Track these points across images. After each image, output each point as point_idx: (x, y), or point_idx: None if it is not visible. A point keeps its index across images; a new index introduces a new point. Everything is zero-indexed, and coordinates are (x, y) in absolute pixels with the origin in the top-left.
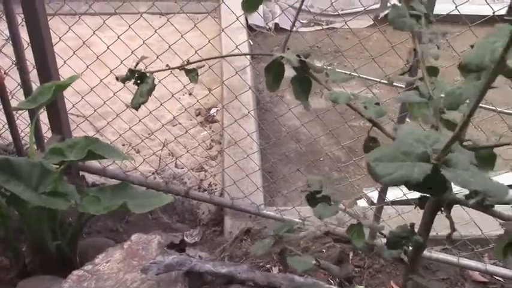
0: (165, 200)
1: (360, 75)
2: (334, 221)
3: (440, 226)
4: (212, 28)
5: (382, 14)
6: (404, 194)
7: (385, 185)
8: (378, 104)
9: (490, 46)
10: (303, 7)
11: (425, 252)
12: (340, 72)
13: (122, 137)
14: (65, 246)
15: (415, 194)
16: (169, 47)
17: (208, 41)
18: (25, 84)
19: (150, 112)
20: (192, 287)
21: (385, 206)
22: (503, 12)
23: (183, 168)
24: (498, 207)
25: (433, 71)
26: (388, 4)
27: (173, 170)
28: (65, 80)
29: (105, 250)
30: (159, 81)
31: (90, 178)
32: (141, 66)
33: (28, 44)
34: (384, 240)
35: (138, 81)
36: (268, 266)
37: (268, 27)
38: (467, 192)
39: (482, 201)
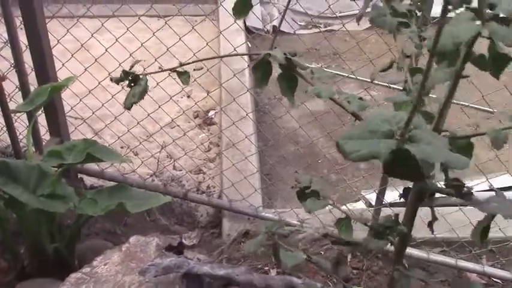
0: (162, 200)
1: (358, 77)
2: (332, 223)
3: (438, 228)
4: (210, 31)
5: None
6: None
7: (353, 161)
8: (360, 98)
9: (452, 31)
10: (301, 9)
11: (424, 254)
12: (324, 70)
13: (120, 139)
14: (63, 249)
15: None
16: (167, 49)
17: (207, 44)
18: (23, 87)
19: (149, 115)
20: None
21: (383, 208)
22: None
23: (181, 170)
24: None
25: (416, 71)
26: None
27: (171, 172)
28: (61, 81)
29: (103, 252)
30: (157, 84)
31: (89, 180)
32: (138, 69)
33: (26, 46)
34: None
35: (132, 84)
36: (266, 268)
37: (266, 30)
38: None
39: (461, 190)
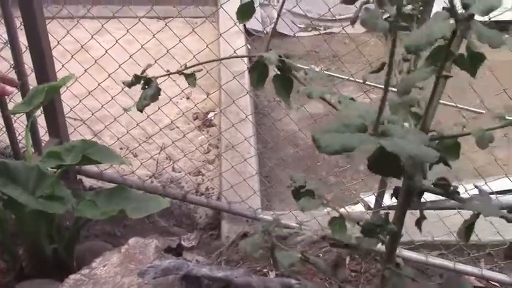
0: (162, 205)
1: (357, 80)
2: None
3: (436, 231)
4: (210, 33)
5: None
6: None
7: (328, 154)
8: (352, 99)
9: (427, 30)
10: (301, 12)
11: (422, 257)
12: (318, 71)
13: (119, 140)
14: (61, 250)
15: None
16: (167, 51)
17: (207, 46)
18: (23, 88)
19: (148, 116)
20: None
21: (381, 211)
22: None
23: (180, 172)
24: None
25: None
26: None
27: (170, 174)
28: (58, 81)
29: (102, 254)
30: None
31: (88, 182)
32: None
33: (26, 47)
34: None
35: (146, 86)
36: (265, 270)
37: (266, 32)
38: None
39: (448, 189)
